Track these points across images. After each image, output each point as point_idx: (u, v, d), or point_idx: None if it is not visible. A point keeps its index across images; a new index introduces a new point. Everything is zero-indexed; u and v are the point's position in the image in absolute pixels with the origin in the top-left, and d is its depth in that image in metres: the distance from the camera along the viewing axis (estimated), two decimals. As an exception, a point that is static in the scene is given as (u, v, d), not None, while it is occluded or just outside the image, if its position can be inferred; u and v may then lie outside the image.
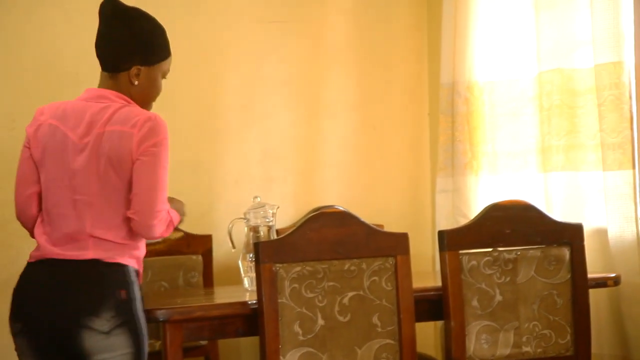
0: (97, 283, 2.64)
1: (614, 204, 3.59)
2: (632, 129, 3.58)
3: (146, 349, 2.68)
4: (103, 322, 2.60)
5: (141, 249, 2.75)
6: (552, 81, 3.82)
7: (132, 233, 2.70)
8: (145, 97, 2.83)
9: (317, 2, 4.29)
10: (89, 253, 2.66)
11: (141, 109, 2.76)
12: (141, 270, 2.77)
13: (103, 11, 2.84)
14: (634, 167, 3.57)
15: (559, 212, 3.76)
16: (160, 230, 2.70)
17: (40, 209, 2.77)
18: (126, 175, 2.69)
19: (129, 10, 2.85)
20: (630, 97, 3.59)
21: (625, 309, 3.58)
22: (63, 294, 2.63)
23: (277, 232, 3.29)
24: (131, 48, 2.79)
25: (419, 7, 4.50)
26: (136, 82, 2.79)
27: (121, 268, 2.67)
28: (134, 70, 2.79)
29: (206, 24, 4.03)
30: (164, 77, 2.88)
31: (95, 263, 2.65)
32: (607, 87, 3.60)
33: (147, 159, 2.67)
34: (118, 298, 2.62)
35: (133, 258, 2.71)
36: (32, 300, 2.67)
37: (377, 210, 4.28)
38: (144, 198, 2.66)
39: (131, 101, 2.79)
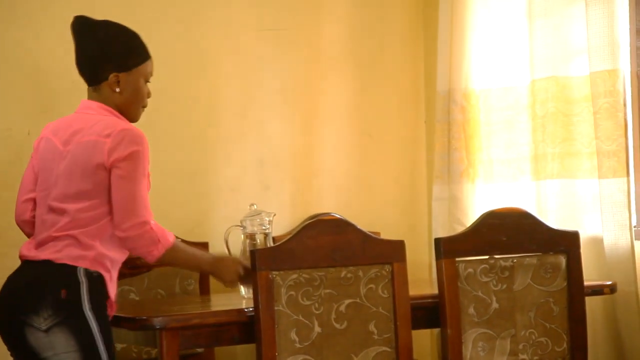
0: (40, 282, 2.69)
1: (609, 212, 3.59)
2: (626, 136, 3.58)
3: (100, 351, 2.66)
4: (41, 320, 2.65)
5: (110, 255, 2.75)
6: (547, 89, 3.83)
7: (102, 238, 2.73)
8: (131, 104, 2.86)
9: (313, 10, 4.30)
10: (44, 254, 2.74)
11: (119, 121, 2.80)
12: (108, 274, 2.75)
13: (73, 29, 2.90)
14: (628, 175, 3.58)
15: (554, 219, 3.76)
16: (142, 243, 2.70)
17: (34, 215, 2.87)
18: (96, 180, 2.73)
19: (96, 22, 2.90)
20: (625, 105, 3.59)
21: (620, 317, 3.59)
22: (14, 293, 2.73)
23: (274, 239, 3.28)
24: (103, 57, 2.84)
25: (415, 15, 4.51)
26: (117, 89, 2.84)
27: (68, 269, 2.69)
28: (112, 78, 2.83)
29: (202, 32, 4.03)
30: (147, 80, 2.90)
31: (45, 263, 2.72)
32: (602, 94, 3.61)
33: (121, 172, 2.71)
34: (57, 297, 2.66)
35: (91, 260, 2.71)
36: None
37: (373, 217, 4.28)
38: (120, 211, 2.70)
39: (114, 112, 2.84)
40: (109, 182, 2.73)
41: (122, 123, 2.79)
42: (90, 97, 2.88)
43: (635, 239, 3.58)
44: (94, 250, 2.72)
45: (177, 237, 3.53)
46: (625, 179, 3.57)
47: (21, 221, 2.92)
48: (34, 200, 2.88)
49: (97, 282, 2.72)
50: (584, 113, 3.73)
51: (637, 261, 3.57)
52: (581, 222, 3.73)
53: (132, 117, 2.88)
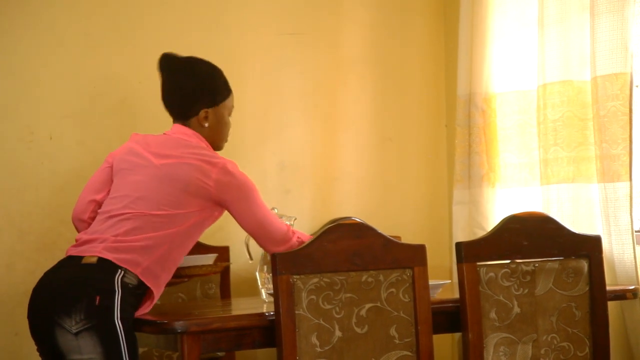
0: (76, 285, 2.74)
1: (613, 216, 3.56)
2: (630, 140, 3.56)
3: (124, 358, 2.72)
4: (72, 323, 2.70)
5: (154, 265, 2.83)
6: (560, 92, 3.80)
7: (163, 257, 2.84)
8: (217, 136, 3.07)
9: (334, 15, 4.30)
10: (89, 251, 2.80)
11: (216, 153, 2.99)
12: (153, 286, 2.83)
13: (163, 66, 3.05)
14: (630, 179, 3.55)
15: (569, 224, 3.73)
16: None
17: (92, 217, 2.99)
18: (186, 199, 2.87)
19: (187, 60, 3.06)
20: (631, 109, 3.56)
21: (628, 323, 3.56)
22: (50, 291, 2.78)
23: (295, 243, 3.29)
24: (197, 94, 3.02)
25: (436, 18, 4.50)
26: (206, 125, 3.03)
27: (108, 273, 2.75)
28: (202, 113, 3.03)
29: (223, 37, 4.04)
30: (229, 114, 3.11)
31: (85, 264, 2.78)
32: (610, 98, 3.58)
33: (245, 208, 2.93)
34: (91, 302, 2.71)
35: (143, 269, 2.79)
36: (33, 293, 2.84)
37: (394, 221, 4.28)
38: (269, 243, 2.97)
39: (207, 142, 3.02)
40: (198, 209, 2.90)
41: (221, 158, 2.97)
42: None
43: (637, 244, 3.55)
44: (148, 260, 2.81)
45: (198, 242, 3.57)
46: (628, 183, 3.54)
47: (78, 220, 3.02)
48: (97, 202, 2.99)
49: (131, 293, 2.78)
50: (593, 117, 3.70)
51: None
52: (587, 226, 3.69)
53: (217, 148, 3.09)
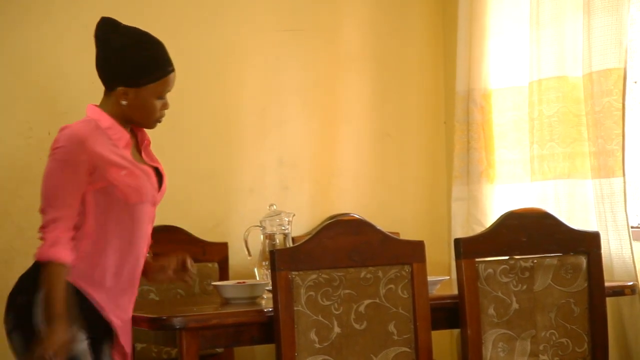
0: (17, 283, 2.67)
1: (610, 212, 3.55)
2: (623, 135, 3.55)
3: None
4: (6, 322, 2.64)
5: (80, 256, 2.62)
6: (555, 88, 3.79)
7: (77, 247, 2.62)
8: (139, 117, 2.69)
9: (333, 10, 4.30)
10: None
11: (77, 122, 2.68)
12: (83, 284, 2.62)
13: (95, 31, 2.72)
14: (623, 175, 3.54)
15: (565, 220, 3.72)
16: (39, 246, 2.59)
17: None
18: None
19: (118, 30, 2.69)
20: (624, 105, 3.55)
21: (626, 319, 3.56)
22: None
23: (293, 239, 3.29)
24: (113, 69, 2.67)
25: (435, 15, 4.50)
26: (124, 102, 2.66)
27: (36, 273, 2.58)
28: (119, 90, 2.66)
29: (222, 32, 4.04)
30: (161, 96, 2.69)
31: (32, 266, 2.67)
32: (605, 93, 3.57)
33: (45, 168, 2.65)
34: (18, 302, 2.62)
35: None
36: None
37: (393, 218, 4.28)
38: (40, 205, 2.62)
39: (102, 114, 2.68)
40: None
41: (72, 124, 2.66)
42: (102, 100, 2.74)
43: (634, 240, 3.55)
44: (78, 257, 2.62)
45: (194, 236, 3.56)
46: (622, 178, 3.54)
47: None
48: None
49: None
50: (587, 113, 3.68)
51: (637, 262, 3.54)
52: (582, 221, 3.69)
53: (144, 127, 2.75)
